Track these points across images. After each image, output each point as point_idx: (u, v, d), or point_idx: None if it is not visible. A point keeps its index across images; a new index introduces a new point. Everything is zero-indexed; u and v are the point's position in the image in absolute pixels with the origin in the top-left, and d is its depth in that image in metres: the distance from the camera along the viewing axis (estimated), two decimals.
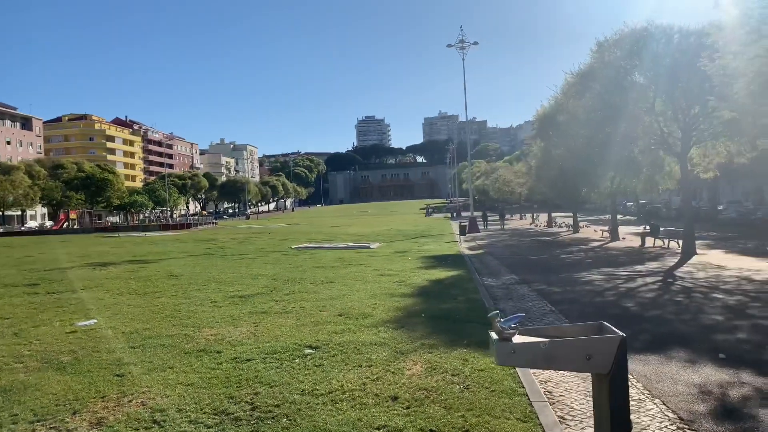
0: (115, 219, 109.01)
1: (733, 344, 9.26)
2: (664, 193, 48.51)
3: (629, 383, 6.86)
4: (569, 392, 6.85)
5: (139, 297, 14.41)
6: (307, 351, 8.38)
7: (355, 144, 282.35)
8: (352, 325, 10.22)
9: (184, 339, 9.41)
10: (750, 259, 22.10)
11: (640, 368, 7.90)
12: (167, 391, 6.67)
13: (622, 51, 26.22)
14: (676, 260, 22.67)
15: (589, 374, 7.58)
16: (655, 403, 6.54)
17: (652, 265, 21.51)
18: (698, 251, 24.43)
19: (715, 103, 16.67)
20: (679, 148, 25.36)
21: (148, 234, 64.28)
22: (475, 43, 52.84)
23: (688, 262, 21.89)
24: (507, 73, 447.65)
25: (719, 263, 21.25)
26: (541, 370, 7.69)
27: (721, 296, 14.04)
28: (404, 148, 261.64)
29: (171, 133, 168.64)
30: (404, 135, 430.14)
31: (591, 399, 6.69)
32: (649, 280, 17.47)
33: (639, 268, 20.79)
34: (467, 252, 28.55)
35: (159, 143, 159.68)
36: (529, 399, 6.32)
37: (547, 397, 6.57)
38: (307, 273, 19.08)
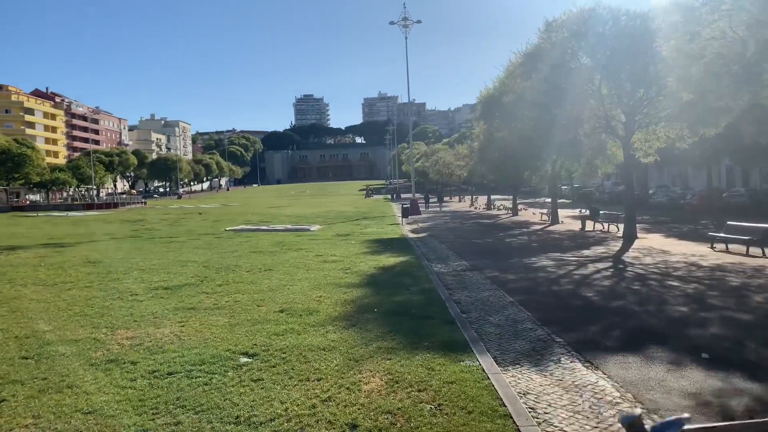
0: (35, 197, 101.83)
1: (710, 341, 8.61)
2: (595, 177, 49.41)
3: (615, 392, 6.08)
4: (554, 408, 5.87)
5: (46, 289, 12.51)
6: (243, 360, 7.04)
7: (293, 123, 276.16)
8: (295, 323, 8.92)
9: (92, 345, 7.83)
10: (689, 244, 22.30)
11: (623, 373, 7.05)
12: (58, 425, 5.18)
13: (569, 31, 25.71)
14: (620, 244, 22.60)
15: (569, 382, 6.74)
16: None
17: (599, 250, 21.30)
18: (638, 235, 24.50)
19: (673, 84, 16.19)
20: (622, 132, 25.21)
21: (71, 214, 60.11)
22: (418, 21, 51.66)
23: (632, 246, 21.79)
24: (446, 56, 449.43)
25: (662, 248, 21.27)
26: (515, 379, 6.71)
27: (676, 284, 13.65)
28: (343, 129, 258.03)
29: (97, 107, 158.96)
30: (343, 115, 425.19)
31: (579, 415, 5.79)
32: (600, 266, 17.07)
33: (586, 252, 20.49)
34: (411, 235, 27.63)
35: (84, 117, 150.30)
36: (514, 422, 5.26)
37: (533, 416, 5.55)
38: (242, 259, 17.52)
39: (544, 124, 27.24)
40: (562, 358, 7.65)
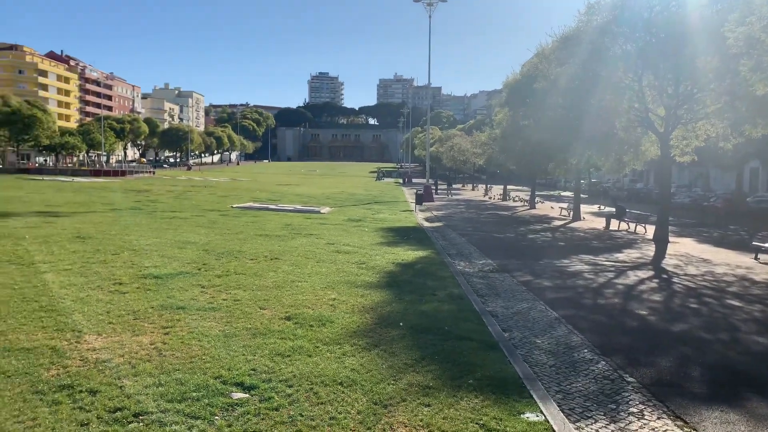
0: (45, 160, 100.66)
1: None
2: (623, 173, 47.73)
3: None
4: None
5: (19, 270, 10.89)
6: (236, 396, 5.38)
7: (307, 100, 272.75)
8: (304, 339, 7.25)
9: (47, 357, 6.19)
10: (729, 252, 20.71)
11: None
12: None
13: (612, 15, 23.67)
14: (652, 248, 20.91)
15: None
16: None
17: (632, 254, 19.62)
18: (670, 239, 22.76)
19: (747, 74, 14.28)
20: (661, 127, 23.30)
21: (76, 179, 58.78)
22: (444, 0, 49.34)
23: (668, 252, 20.08)
24: (465, 41, 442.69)
25: (700, 255, 19.61)
26: None
27: (737, 303, 11.93)
28: (357, 109, 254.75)
29: (111, 73, 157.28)
30: (358, 95, 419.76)
31: None
32: (641, 274, 15.37)
33: (619, 257, 18.81)
34: (426, 224, 25.94)
35: (97, 83, 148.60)
36: None
37: None
38: (247, 243, 15.86)
39: (577, 114, 25.31)
40: (645, 411, 5.96)
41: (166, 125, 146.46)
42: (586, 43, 24.34)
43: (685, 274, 15.61)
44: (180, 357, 6.40)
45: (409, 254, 15.67)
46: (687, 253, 20.31)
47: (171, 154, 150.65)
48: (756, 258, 18.92)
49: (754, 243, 20.25)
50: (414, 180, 79.81)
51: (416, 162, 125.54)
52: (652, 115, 23.15)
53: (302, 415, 5.06)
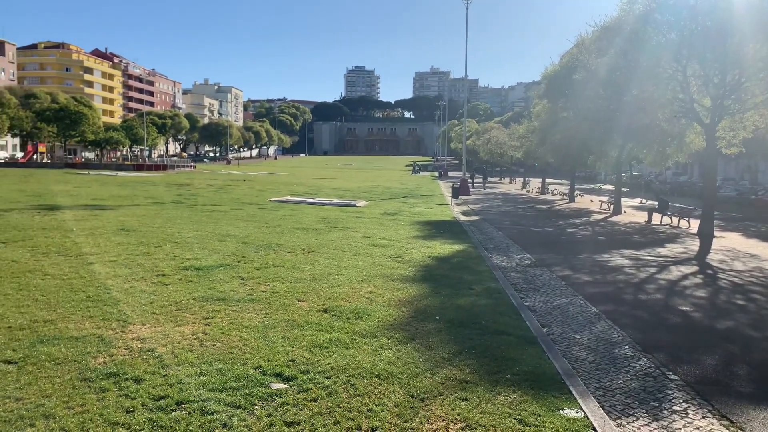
0: (90, 155, 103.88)
1: None
2: (665, 166, 46.55)
3: None
4: None
5: (67, 261, 11.29)
6: (275, 386, 5.47)
7: (343, 94, 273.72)
8: (341, 331, 7.31)
9: (94, 346, 6.41)
10: None
11: None
12: None
13: (655, 2, 22.97)
14: (697, 243, 20.26)
15: None
16: None
17: (675, 249, 19.08)
18: (715, 233, 22.04)
19: None
20: (707, 118, 22.54)
21: (120, 174, 60.46)
22: None
23: (713, 247, 19.44)
24: (502, 32, 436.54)
25: (748, 251, 18.99)
26: None
27: None
28: (392, 102, 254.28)
29: (153, 69, 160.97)
30: (394, 89, 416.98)
31: None
32: (684, 269, 14.93)
33: (662, 251, 18.32)
34: (463, 218, 25.76)
35: (140, 79, 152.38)
36: None
37: None
38: (285, 236, 16.07)
39: (617, 105, 24.73)
40: (689, 410, 5.81)
41: (206, 120, 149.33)
42: (627, 33, 23.71)
43: (732, 270, 15.13)
44: (221, 347, 6.54)
45: (445, 248, 15.61)
46: (733, 248, 19.68)
47: (211, 148, 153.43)
48: None
49: None
50: (450, 173, 79.33)
51: (452, 155, 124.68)
52: (697, 106, 22.41)
53: (340, 407, 5.12)
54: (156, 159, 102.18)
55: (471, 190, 47.89)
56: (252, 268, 11.32)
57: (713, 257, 17.38)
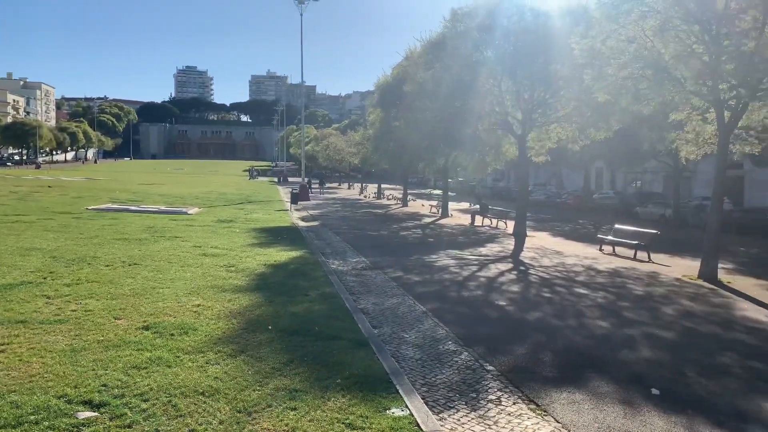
0: None
1: (650, 370, 7.73)
2: (485, 173, 50.60)
3: None
4: None
5: None
6: (82, 415, 4.92)
7: (173, 95, 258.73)
8: (164, 349, 6.83)
9: None
10: (578, 245, 22.71)
11: (577, 419, 5.87)
12: None
13: (475, 22, 25.06)
14: (512, 242, 22.37)
15: None
16: None
17: (494, 248, 20.87)
18: (527, 233, 24.56)
19: (590, 82, 15.67)
20: (519, 129, 25.03)
21: None
22: None
23: (526, 245, 21.60)
24: (338, 41, 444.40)
25: (554, 248, 21.32)
26: None
27: (584, 291, 13.13)
28: (228, 105, 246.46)
29: None
30: (229, 91, 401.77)
31: None
32: (501, 267, 16.38)
33: (482, 251, 19.93)
34: (301, 224, 25.72)
35: None
36: None
37: None
38: (102, 248, 14.68)
39: (444, 116, 26.42)
40: (503, 398, 6.32)
41: (9, 119, 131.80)
42: (450, 48, 25.49)
43: (540, 266, 16.87)
44: (16, 377, 5.73)
45: (282, 255, 15.41)
46: (542, 246, 21.95)
47: (16, 151, 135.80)
48: (600, 249, 20.95)
49: (598, 236, 22.48)
50: (290, 179, 78.83)
51: (292, 161, 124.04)
52: (511, 119, 24.72)
53: (158, 430, 4.75)
54: None
55: (309, 195, 48.02)
56: (61, 284, 10.15)
57: (525, 255, 19.29)
